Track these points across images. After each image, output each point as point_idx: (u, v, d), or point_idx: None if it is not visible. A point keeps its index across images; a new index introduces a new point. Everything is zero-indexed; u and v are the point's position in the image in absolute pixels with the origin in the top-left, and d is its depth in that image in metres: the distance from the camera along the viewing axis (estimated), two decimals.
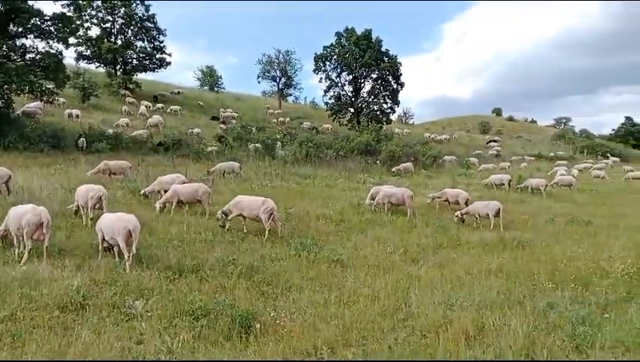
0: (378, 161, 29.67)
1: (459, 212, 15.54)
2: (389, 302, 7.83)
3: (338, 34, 44.31)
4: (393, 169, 27.95)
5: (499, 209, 14.56)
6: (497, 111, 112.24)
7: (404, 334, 6.43)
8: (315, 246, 11.27)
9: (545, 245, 12.74)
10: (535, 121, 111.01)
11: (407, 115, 74.23)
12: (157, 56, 46.96)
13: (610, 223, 16.39)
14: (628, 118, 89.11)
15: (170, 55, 47.68)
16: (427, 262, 10.93)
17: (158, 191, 15.36)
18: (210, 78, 67.07)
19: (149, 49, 46.51)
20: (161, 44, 46.87)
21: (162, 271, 8.82)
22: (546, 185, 22.75)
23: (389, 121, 46.54)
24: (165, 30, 46.41)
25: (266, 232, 12.24)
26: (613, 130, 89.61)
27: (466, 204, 16.72)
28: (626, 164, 46.90)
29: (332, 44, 44.62)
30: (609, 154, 55.30)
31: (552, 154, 51.77)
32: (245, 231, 12.75)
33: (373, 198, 16.49)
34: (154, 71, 48.13)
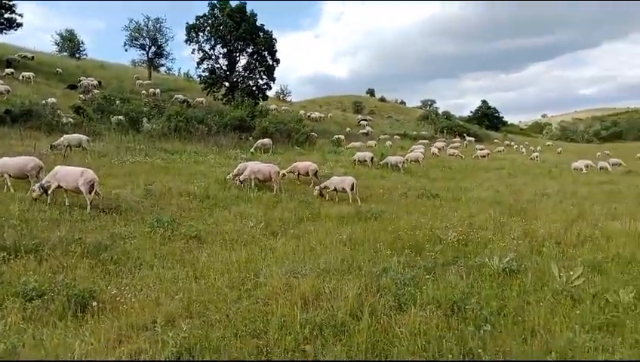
0: (251, 138, 29.58)
1: (318, 186, 16.25)
2: (241, 275, 8.02)
3: (211, 4, 42.75)
4: (252, 150, 27.40)
5: (353, 183, 15.46)
6: (371, 92, 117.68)
7: (246, 303, 6.67)
8: (173, 223, 11.06)
9: (395, 216, 13.78)
10: (404, 103, 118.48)
11: (285, 92, 74.75)
12: (5, 15, 41.54)
13: (455, 196, 18.24)
14: (484, 102, 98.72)
15: (21, 15, 42.57)
16: (286, 235, 11.33)
17: None
18: (70, 43, 61.03)
19: None
20: (10, 3, 41.48)
21: None
22: (404, 162, 24.68)
23: (265, 97, 46.45)
24: None
25: (88, 206, 11.67)
26: (471, 112, 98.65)
27: (315, 175, 18.11)
28: (479, 144, 52.40)
29: (205, 15, 42.98)
30: (465, 135, 61.18)
31: (415, 133, 55.90)
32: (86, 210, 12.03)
33: (240, 174, 16.53)
34: (2, 32, 42.60)
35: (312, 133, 36.66)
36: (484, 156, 37.44)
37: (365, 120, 62.50)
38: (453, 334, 5.67)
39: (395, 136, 49.30)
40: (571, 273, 7.67)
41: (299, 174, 18.70)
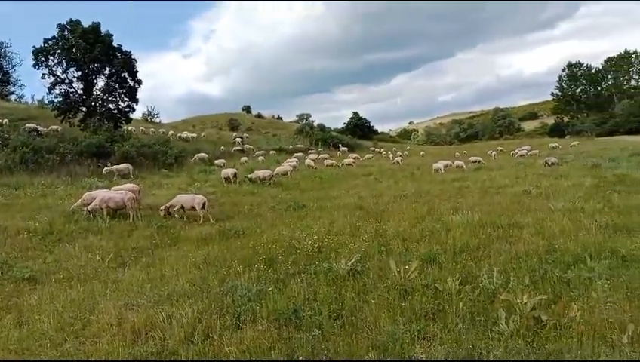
0: (109, 164, 27.62)
1: (163, 206, 15.64)
2: (72, 314, 7.34)
3: (61, 26, 39.34)
4: (105, 169, 26.32)
5: (204, 202, 15.09)
6: (247, 109, 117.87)
7: (69, 345, 6.09)
8: (3, 266, 9.90)
9: (260, 231, 13.65)
10: (281, 118, 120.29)
11: (153, 114, 71.62)
12: None
13: (321, 205, 18.56)
14: (355, 113, 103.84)
15: None
16: (136, 264, 10.68)
17: None
18: None
19: None
20: None
21: None
22: (272, 176, 24.82)
23: (128, 120, 43.94)
24: None
25: None
26: (344, 123, 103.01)
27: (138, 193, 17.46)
28: (353, 153, 54.74)
29: (54, 37, 39.52)
30: (340, 145, 63.67)
31: (291, 147, 56.86)
32: None
33: (87, 204, 15.28)
34: None
35: (182, 154, 35.43)
36: (350, 164, 39.14)
37: (241, 137, 62.11)
38: (284, 344, 5.68)
39: (272, 151, 49.66)
40: (406, 267, 8.15)
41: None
